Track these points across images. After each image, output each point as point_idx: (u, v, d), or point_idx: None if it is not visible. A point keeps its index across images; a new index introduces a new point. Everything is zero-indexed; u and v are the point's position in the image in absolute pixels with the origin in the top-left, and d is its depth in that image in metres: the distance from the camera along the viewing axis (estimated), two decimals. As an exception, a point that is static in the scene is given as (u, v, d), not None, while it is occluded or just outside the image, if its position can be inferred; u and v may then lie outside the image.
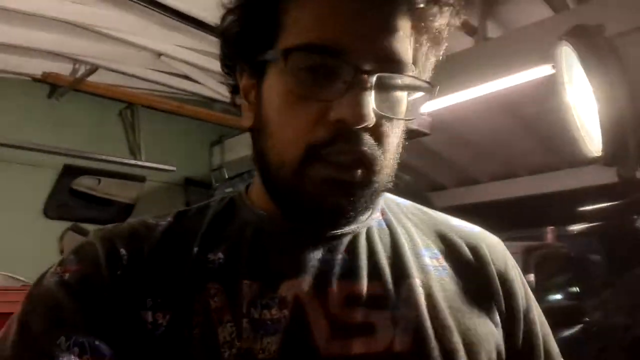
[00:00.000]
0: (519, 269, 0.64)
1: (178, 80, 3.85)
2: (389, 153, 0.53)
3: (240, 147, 4.55)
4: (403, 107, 0.53)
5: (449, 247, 0.60)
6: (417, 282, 0.54)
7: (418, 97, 0.58)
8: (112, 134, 4.28)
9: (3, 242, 3.62)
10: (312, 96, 0.48)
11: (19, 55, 3.37)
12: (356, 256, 0.54)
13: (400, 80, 0.51)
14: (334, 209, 0.50)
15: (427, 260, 0.57)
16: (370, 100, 0.48)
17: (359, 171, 0.50)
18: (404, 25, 0.50)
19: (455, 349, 0.51)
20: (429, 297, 0.54)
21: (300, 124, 0.49)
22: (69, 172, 4.07)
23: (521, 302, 0.60)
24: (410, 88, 0.53)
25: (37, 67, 3.56)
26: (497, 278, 0.60)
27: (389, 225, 0.60)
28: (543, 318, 0.63)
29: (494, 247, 0.63)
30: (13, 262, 3.62)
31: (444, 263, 0.58)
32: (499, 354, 0.56)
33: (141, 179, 4.39)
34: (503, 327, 0.58)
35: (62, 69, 3.63)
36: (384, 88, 0.49)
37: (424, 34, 0.53)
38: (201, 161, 4.76)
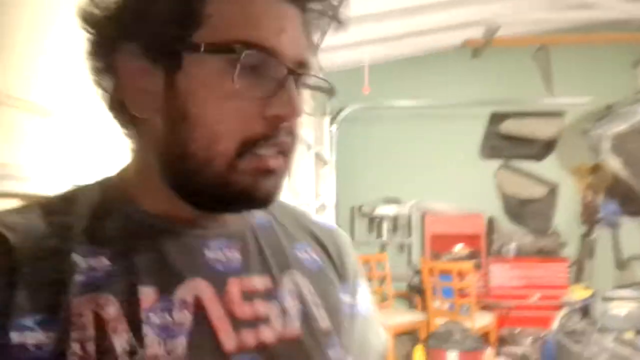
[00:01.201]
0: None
1: (578, 12, 3.89)
2: (296, 144, 0.55)
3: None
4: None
5: (315, 241, 0.64)
6: (298, 273, 0.58)
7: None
8: (528, 77, 4.67)
9: (450, 181, 4.70)
10: (248, 92, 0.48)
11: (442, 32, 4.24)
12: (248, 252, 0.55)
13: (312, 81, 0.54)
14: (264, 197, 0.51)
15: (301, 253, 0.61)
16: (299, 98, 0.51)
17: (281, 160, 0.51)
18: (306, 30, 0.54)
19: (331, 330, 0.58)
20: (307, 287, 0.58)
21: (236, 119, 0.48)
22: (496, 118, 4.77)
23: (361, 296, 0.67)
24: (318, 88, 0.58)
25: (457, 37, 4.37)
26: (353, 268, 0.67)
27: (269, 221, 0.61)
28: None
29: (347, 241, 0.69)
30: (459, 196, 4.66)
31: (315, 256, 0.62)
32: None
33: (559, 114, 4.63)
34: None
35: (477, 33, 4.31)
36: (301, 87, 0.52)
37: (313, 39, 0.56)
38: (623, 86, 4.55)
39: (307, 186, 3.47)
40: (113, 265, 0.49)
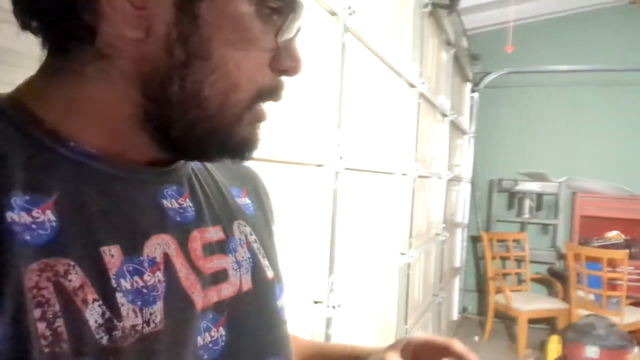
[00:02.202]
0: None
1: None
2: None
3: None
4: None
5: (243, 183, 0.60)
6: (242, 221, 0.55)
7: None
8: None
9: (609, 157, 4.15)
10: (266, 40, 0.44)
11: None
12: (198, 200, 0.50)
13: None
14: (255, 149, 0.48)
15: (237, 199, 0.57)
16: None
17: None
18: None
19: (273, 279, 0.55)
20: (250, 234, 0.55)
21: (254, 67, 0.44)
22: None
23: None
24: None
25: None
26: (271, 203, 0.64)
27: (203, 165, 0.55)
28: None
29: (260, 177, 0.65)
30: (619, 175, 4.10)
31: (247, 200, 0.58)
32: None
33: None
34: None
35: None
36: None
37: None
38: None
39: (440, 156, 3.29)
40: (62, 221, 0.38)
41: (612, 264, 3.46)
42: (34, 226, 0.37)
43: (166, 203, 0.46)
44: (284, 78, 0.47)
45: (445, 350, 0.56)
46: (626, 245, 3.87)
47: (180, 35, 0.41)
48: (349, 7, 1.43)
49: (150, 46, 0.41)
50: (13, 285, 0.35)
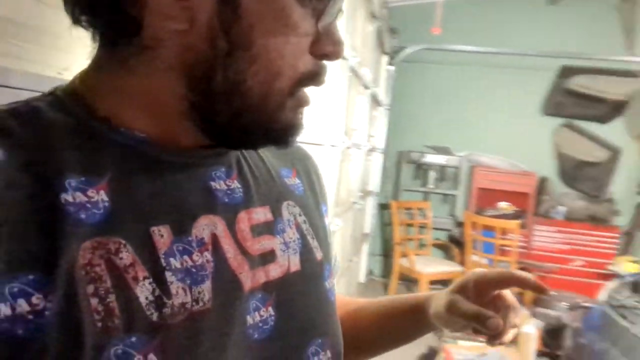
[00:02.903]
0: None
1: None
2: None
3: None
4: None
5: (294, 163, 0.60)
6: (291, 202, 0.55)
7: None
8: (607, 30, 4.33)
9: (506, 135, 4.51)
10: (305, 26, 0.44)
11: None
12: (247, 182, 0.51)
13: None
14: (299, 134, 0.47)
15: (288, 180, 0.57)
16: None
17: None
18: None
19: (323, 260, 0.56)
20: (299, 215, 0.55)
21: (294, 54, 0.43)
22: (566, 73, 4.48)
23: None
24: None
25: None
26: (322, 183, 0.65)
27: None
28: None
29: (312, 157, 0.65)
30: (513, 152, 4.49)
31: (297, 180, 0.58)
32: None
33: (636, 74, 4.30)
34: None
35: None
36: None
37: None
38: None
39: (361, 127, 3.39)
40: (114, 202, 0.40)
41: (504, 232, 3.83)
42: (88, 205, 0.38)
43: (214, 185, 0.47)
44: (325, 62, 0.46)
45: (507, 279, 0.59)
46: (515, 215, 4.29)
47: (223, 25, 0.41)
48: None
49: (193, 37, 0.41)
50: (67, 262, 0.36)
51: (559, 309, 3.66)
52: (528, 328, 2.33)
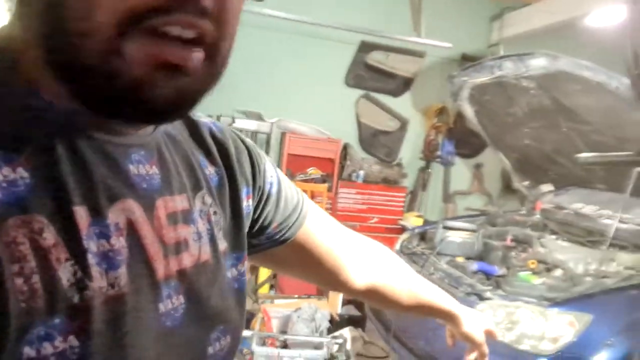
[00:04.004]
0: None
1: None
2: (232, 40, 0.43)
3: (521, 22, 4.56)
4: None
5: (210, 151, 0.56)
6: (206, 192, 0.52)
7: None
8: (401, 12, 4.81)
9: (313, 103, 4.74)
10: None
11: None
12: (166, 168, 0.47)
13: None
14: (164, 102, 0.38)
15: (205, 169, 0.54)
16: None
17: (200, 54, 0.38)
18: None
19: (227, 250, 0.55)
20: (211, 206, 0.53)
21: None
22: (365, 48, 4.85)
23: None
24: None
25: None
26: (257, 163, 0.62)
27: (176, 133, 0.53)
28: None
29: (239, 142, 0.62)
30: (320, 120, 4.75)
31: (213, 169, 0.55)
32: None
33: (421, 55, 4.90)
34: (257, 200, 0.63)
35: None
36: None
37: None
38: (479, 37, 4.95)
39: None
40: (33, 178, 0.37)
41: (313, 195, 4.07)
42: (4, 184, 0.36)
43: (133, 169, 0.45)
44: None
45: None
46: (322, 180, 4.57)
47: None
48: None
49: None
50: (18, 236, 0.35)
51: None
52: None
